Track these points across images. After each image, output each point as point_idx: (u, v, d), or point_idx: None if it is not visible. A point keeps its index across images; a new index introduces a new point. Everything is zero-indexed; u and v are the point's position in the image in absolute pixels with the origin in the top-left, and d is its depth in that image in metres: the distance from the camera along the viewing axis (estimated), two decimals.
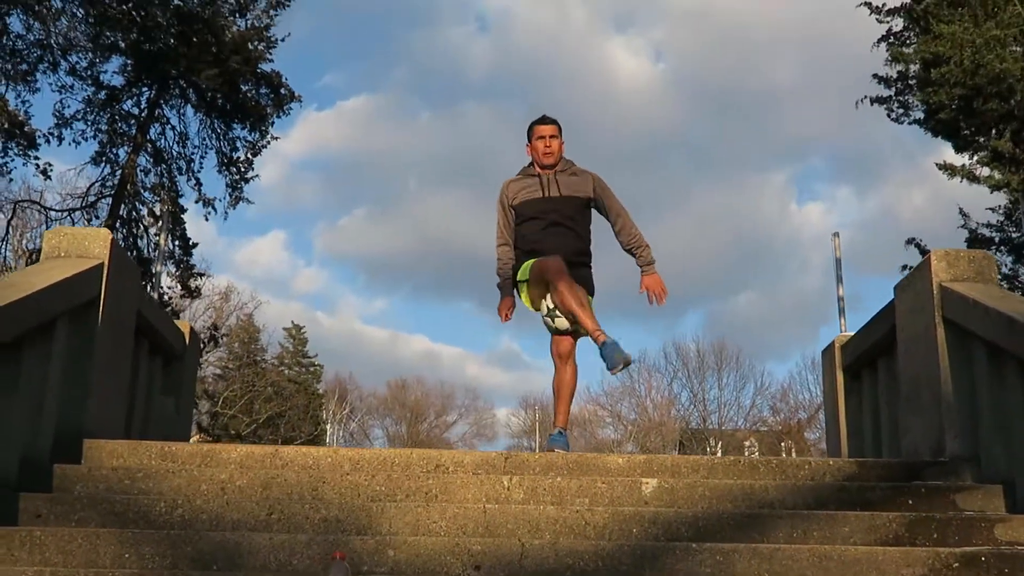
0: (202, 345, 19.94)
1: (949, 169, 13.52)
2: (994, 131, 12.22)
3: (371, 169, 69.04)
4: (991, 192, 12.63)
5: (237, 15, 17.96)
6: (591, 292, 5.59)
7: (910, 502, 4.56)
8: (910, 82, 14.83)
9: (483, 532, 4.16)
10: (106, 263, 5.23)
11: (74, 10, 16.66)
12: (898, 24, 15.42)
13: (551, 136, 5.57)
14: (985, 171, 12.90)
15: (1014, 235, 17.04)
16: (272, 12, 18.09)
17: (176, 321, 6.88)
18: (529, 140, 5.70)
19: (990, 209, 17.31)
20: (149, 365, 6.31)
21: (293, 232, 70.08)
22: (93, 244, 5.29)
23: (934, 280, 5.30)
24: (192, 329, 6.96)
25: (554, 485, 4.60)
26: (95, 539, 3.96)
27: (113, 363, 5.41)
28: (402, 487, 4.59)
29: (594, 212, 5.67)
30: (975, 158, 13.00)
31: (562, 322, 5.42)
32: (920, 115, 14.78)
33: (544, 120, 5.66)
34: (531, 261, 5.40)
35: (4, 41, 17.53)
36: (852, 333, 6.84)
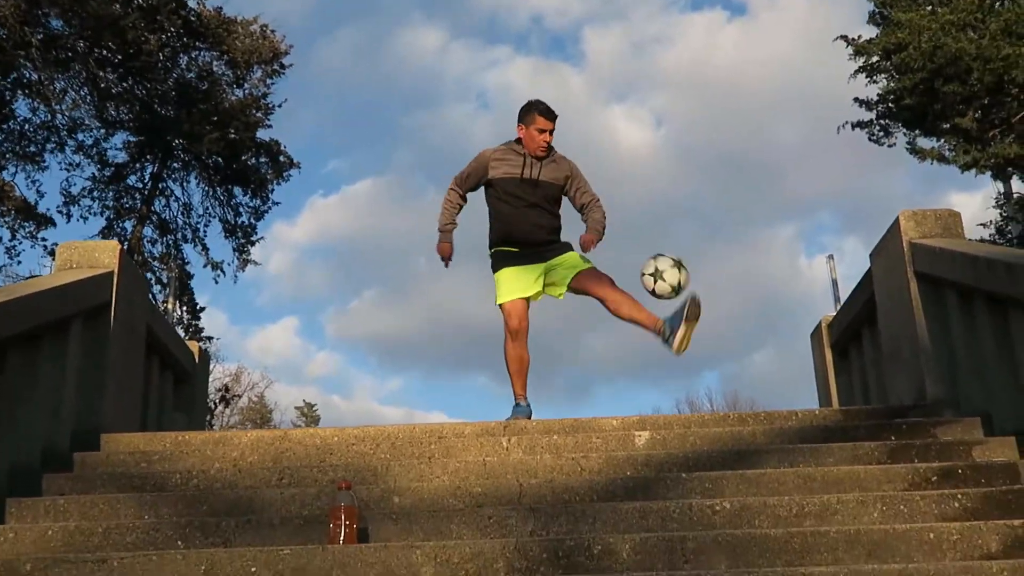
0: (213, 406, 20.17)
1: (919, 152, 13.85)
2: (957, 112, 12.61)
3: (379, 251, 69.54)
4: (962, 172, 12.95)
5: (234, 86, 18.61)
6: (571, 248, 5.69)
7: (892, 437, 4.74)
8: (890, 106, 15.23)
9: (484, 477, 4.36)
10: (116, 271, 5.51)
11: (78, 89, 17.24)
12: (875, 58, 15.91)
13: (551, 131, 5.63)
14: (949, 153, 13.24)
15: None
16: (268, 80, 18.75)
17: (186, 341, 7.14)
18: (524, 122, 5.66)
19: (981, 225, 17.60)
20: (161, 380, 6.55)
21: (304, 318, 70.28)
22: (103, 255, 5.58)
23: (904, 239, 5.55)
24: (201, 349, 7.21)
25: (551, 442, 4.80)
26: (115, 503, 4.17)
27: (126, 369, 5.66)
28: (406, 453, 4.80)
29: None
30: (943, 140, 13.37)
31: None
32: (902, 139, 15.20)
33: (549, 114, 5.61)
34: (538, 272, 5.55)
35: (11, 125, 18.09)
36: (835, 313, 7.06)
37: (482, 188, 5.80)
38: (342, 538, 3.56)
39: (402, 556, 3.38)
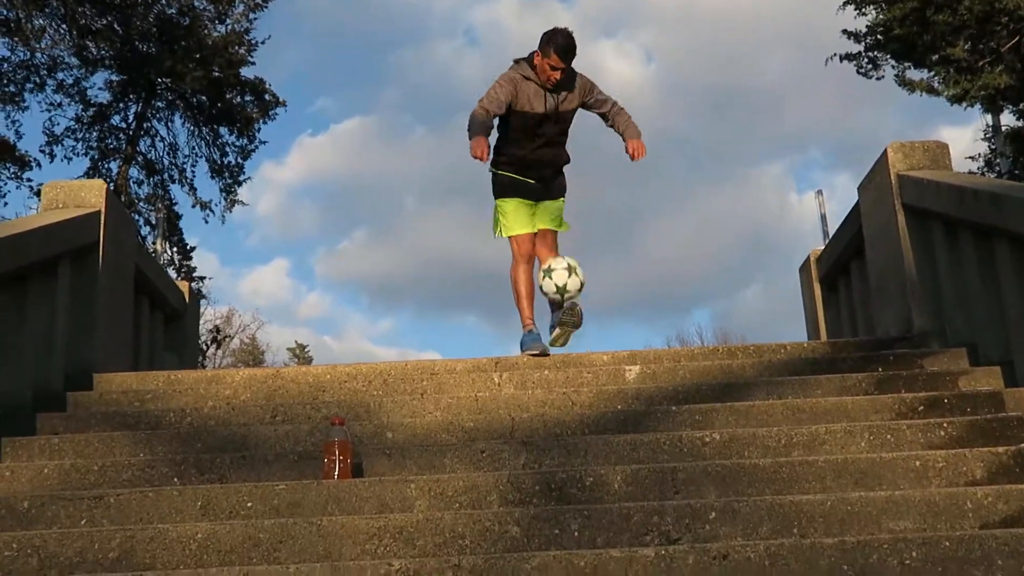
0: (205, 348, 20.20)
1: (908, 84, 13.79)
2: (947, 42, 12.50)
3: (368, 191, 68.95)
4: (951, 104, 12.90)
5: (216, 21, 18.35)
6: (564, 192, 5.80)
7: (879, 369, 4.79)
8: (879, 37, 15.09)
9: (476, 412, 4.39)
10: (103, 211, 5.48)
11: (56, 26, 16.97)
12: None
13: (563, 71, 5.48)
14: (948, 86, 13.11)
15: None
16: (251, 15, 18.47)
17: (176, 281, 7.12)
18: (542, 51, 5.46)
19: (970, 158, 17.58)
20: (151, 320, 6.55)
21: (295, 259, 69.83)
22: (89, 194, 5.54)
23: (892, 171, 5.55)
24: (191, 289, 7.20)
25: (542, 378, 4.83)
26: (110, 441, 4.20)
27: (116, 309, 5.66)
28: (398, 389, 4.83)
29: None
30: (932, 72, 13.29)
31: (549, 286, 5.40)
32: (890, 72, 15.08)
33: (566, 56, 5.44)
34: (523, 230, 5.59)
35: None
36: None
37: None
38: (336, 473, 3.60)
39: (396, 490, 3.42)
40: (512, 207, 5.62)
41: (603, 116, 5.81)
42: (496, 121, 5.60)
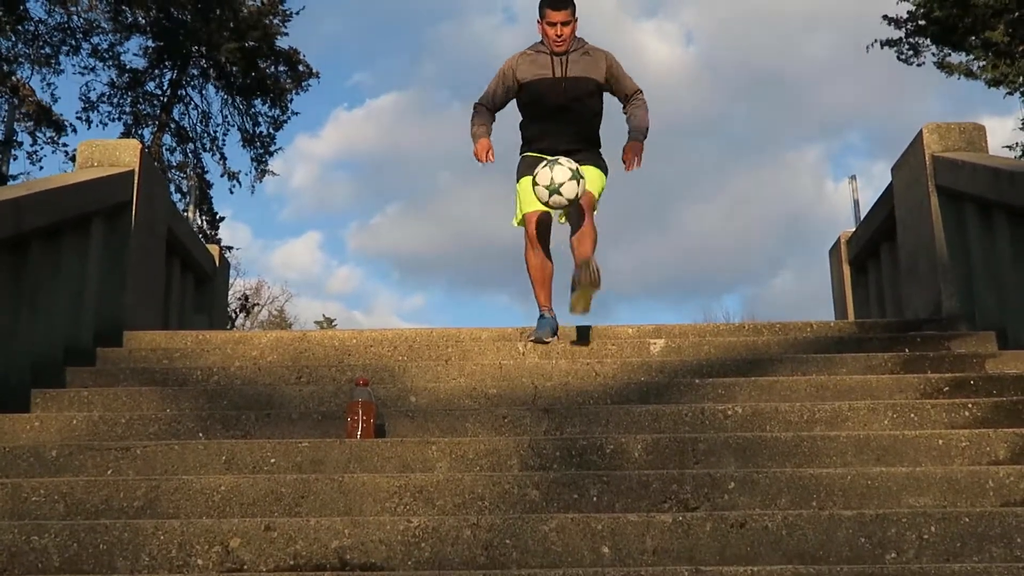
0: (234, 316, 20.36)
1: (947, 68, 13.62)
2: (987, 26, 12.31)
3: (403, 166, 68.87)
4: (988, 88, 12.75)
5: None
6: (605, 171, 5.34)
7: (906, 349, 4.76)
8: (920, 23, 14.89)
9: (499, 380, 4.41)
10: (136, 171, 5.53)
11: None
12: None
13: (563, 23, 5.15)
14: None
15: None
16: None
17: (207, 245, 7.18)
18: (539, 17, 5.24)
19: (1007, 147, 17.35)
20: (182, 282, 6.61)
21: (327, 232, 69.84)
22: (124, 154, 5.60)
23: (926, 152, 5.49)
24: (221, 253, 7.26)
25: (567, 348, 4.85)
26: (138, 396, 4.26)
27: (147, 268, 5.72)
28: (423, 355, 4.85)
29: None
30: (972, 56, 13.10)
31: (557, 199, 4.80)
32: (931, 58, 14.86)
33: (556, 3, 5.17)
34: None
35: (26, 27, 17.96)
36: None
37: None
38: (359, 433, 3.63)
39: (418, 451, 3.45)
40: (525, 185, 5.15)
41: (621, 100, 5.49)
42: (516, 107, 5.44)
